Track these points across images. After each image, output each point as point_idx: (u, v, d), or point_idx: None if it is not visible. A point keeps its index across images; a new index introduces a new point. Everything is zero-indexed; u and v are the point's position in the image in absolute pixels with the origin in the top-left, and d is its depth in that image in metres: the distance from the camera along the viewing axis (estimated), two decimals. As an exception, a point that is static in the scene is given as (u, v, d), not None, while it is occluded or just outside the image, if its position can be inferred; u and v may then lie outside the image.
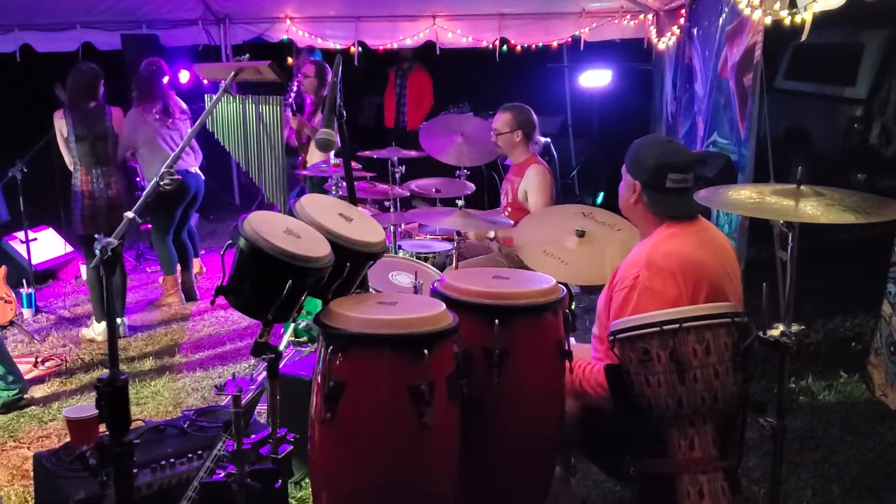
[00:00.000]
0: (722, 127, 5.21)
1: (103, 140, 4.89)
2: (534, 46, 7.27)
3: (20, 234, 5.68)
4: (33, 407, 4.00)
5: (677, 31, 6.41)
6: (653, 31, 7.03)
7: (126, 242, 2.07)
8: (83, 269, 6.11)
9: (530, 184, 4.36)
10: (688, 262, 2.32)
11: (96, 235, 1.94)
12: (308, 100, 5.96)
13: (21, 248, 5.71)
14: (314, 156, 5.76)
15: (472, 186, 4.55)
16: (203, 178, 5.58)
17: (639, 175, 2.46)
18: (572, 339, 2.44)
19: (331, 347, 1.99)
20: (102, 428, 1.99)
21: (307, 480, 3.04)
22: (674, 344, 2.07)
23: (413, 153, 4.93)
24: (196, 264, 6.06)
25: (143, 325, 5.24)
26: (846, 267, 5.59)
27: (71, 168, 4.94)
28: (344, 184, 3.76)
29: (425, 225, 4.88)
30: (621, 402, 2.20)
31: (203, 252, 6.55)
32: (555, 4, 7.03)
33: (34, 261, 5.66)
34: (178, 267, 5.63)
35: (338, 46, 7.20)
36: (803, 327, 2.16)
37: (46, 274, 6.16)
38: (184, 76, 7.11)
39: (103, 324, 4.91)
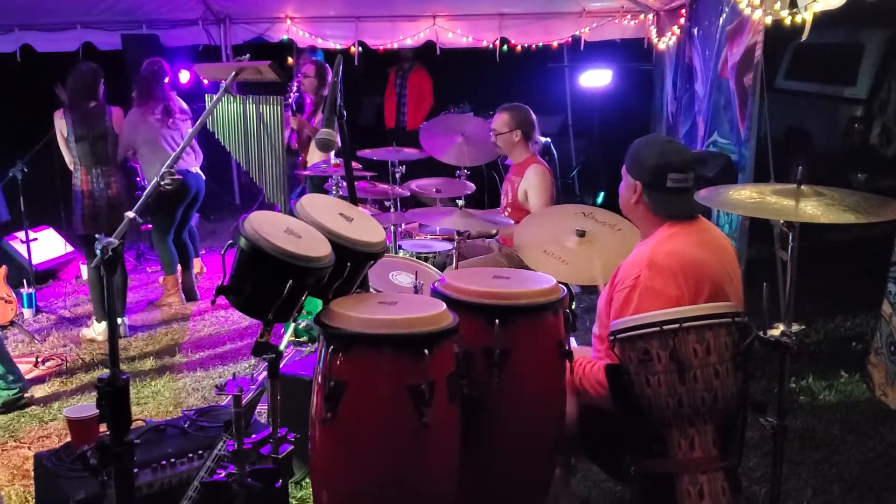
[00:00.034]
0: (722, 127, 5.21)
1: (103, 140, 4.89)
2: (534, 46, 7.26)
3: (21, 234, 5.68)
4: (34, 407, 4.00)
5: (677, 31, 6.40)
6: (653, 31, 7.03)
7: (126, 242, 2.07)
8: (83, 268, 6.11)
9: (530, 183, 4.36)
10: (689, 262, 2.32)
11: (97, 235, 1.94)
12: (308, 100, 5.97)
13: (21, 248, 5.71)
14: (314, 156, 5.76)
15: (472, 186, 4.55)
16: (204, 177, 5.58)
17: (639, 175, 2.46)
18: (573, 340, 2.44)
19: (331, 347, 1.99)
20: (103, 428, 1.99)
21: (308, 480, 3.04)
22: (674, 344, 2.07)
23: (412, 151, 4.93)
24: (196, 264, 6.06)
25: (143, 324, 5.25)
26: (846, 267, 5.59)
27: (71, 168, 4.94)
28: (344, 183, 3.76)
29: (425, 225, 4.88)
30: (621, 402, 2.20)
31: (203, 252, 6.56)
32: (555, 4, 7.02)
33: (35, 261, 5.66)
34: (179, 267, 5.64)
35: (338, 46, 7.20)
36: (804, 327, 2.15)
37: (47, 274, 6.16)
38: (184, 76, 7.11)
39: (104, 324, 4.91)
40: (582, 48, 7.25)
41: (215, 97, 2.79)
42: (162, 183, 2.16)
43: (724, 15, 5.21)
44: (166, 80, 5.28)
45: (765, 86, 4.65)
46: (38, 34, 6.90)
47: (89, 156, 4.87)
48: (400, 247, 4.49)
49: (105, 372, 1.93)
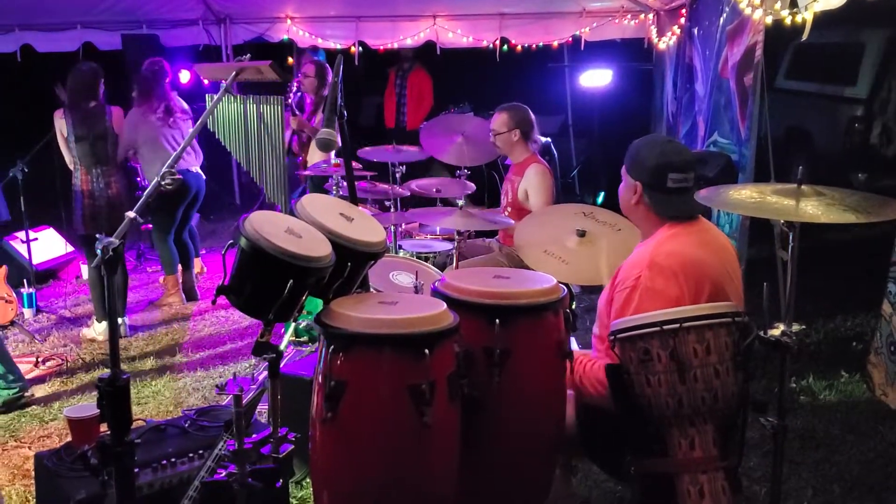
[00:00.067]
0: (722, 126, 5.21)
1: (103, 140, 4.89)
2: (534, 46, 7.27)
3: (21, 234, 5.68)
4: (34, 406, 4.01)
5: (678, 31, 6.40)
6: (653, 31, 7.03)
7: (127, 242, 2.07)
8: (84, 268, 6.11)
9: (530, 183, 4.37)
10: (690, 262, 2.32)
11: (97, 235, 1.94)
12: (308, 99, 5.97)
13: (22, 248, 5.71)
14: (315, 156, 5.76)
15: (472, 186, 4.56)
16: (204, 177, 5.58)
17: (639, 175, 2.46)
18: (573, 340, 2.44)
19: (332, 347, 1.99)
20: (104, 427, 1.99)
21: (308, 480, 3.05)
22: (674, 344, 2.07)
23: (412, 149, 4.93)
24: (197, 264, 6.06)
25: (143, 324, 5.25)
26: (847, 266, 5.59)
27: (71, 168, 4.94)
28: (344, 183, 3.76)
29: (426, 225, 4.89)
30: (621, 402, 2.20)
31: (204, 252, 6.56)
32: (555, 4, 7.02)
33: (35, 261, 5.67)
34: (179, 267, 5.64)
35: (338, 46, 7.21)
36: (804, 327, 2.15)
37: (47, 274, 6.16)
38: (184, 76, 7.11)
39: (104, 323, 4.91)
40: (582, 48, 7.25)
41: (216, 97, 2.79)
42: (162, 183, 2.17)
43: (725, 15, 5.22)
44: (167, 80, 5.29)
45: (765, 85, 4.65)
46: (39, 34, 6.90)
47: (89, 156, 4.87)
48: (400, 247, 4.49)
49: (106, 372, 1.93)
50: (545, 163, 4.53)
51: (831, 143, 7.77)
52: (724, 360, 2.09)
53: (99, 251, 1.88)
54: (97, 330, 4.96)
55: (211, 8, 7.15)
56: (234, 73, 2.69)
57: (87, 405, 2.69)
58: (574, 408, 2.44)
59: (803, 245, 2.12)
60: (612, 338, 2.18)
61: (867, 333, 4.44)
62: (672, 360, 2.07)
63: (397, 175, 4.84)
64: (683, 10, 6.28)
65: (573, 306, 2.37)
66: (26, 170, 5.22)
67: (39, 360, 4.59)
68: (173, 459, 2.56)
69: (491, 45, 7.15)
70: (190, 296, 5.66)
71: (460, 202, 3.99)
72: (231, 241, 2.04)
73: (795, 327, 2.09)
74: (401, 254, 4.34)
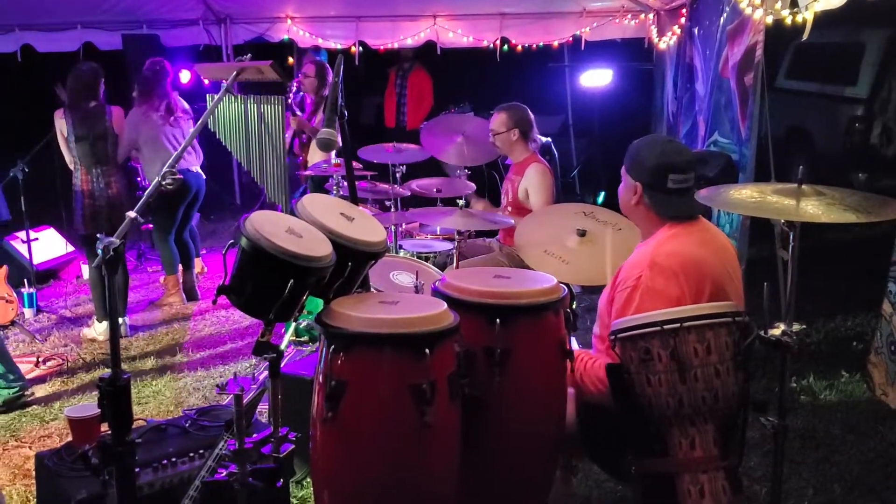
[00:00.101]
0: (723, 126, 5.21)
1: (103, 140, 4.89)
2: (534, 46, 7.26)
3: (21, 234, 5.69)
4: (35, 406, 4.01)
5: (678, 31, 6.40)
6: (653, 31, 7.03)
7: (127, 242, 2.07)
8: (84, 268, 6.12)
9: (531, 182, 4.37)
10: (690, 261, 2.32)
11: (98, 235, 1.94)
12: (308, 99, 5.97)
13: (22, 248, 5.71)
14: (315, 155, 5.77)
15: (472, 186, 4.56)
16: (204, 177, 5.59)
17: (639, 176, 2.46)
18: (573, 340, 2.44)
19: (332, 347, 1.99)
20: (104, 427, 1.99)
21: (308, 479, 3.05)
22: (675, 343, 2.07)
23: (412, 147, 4.93)
24: (197, 264, 6.06)
25: (144, 324, 5.25)
26: (847, 266, 5.59)
27: (71, 168, 4.95)
28: (345, 183, 3.76)
29: (426, 224, 4.89)
30: (622, 402, 2.20)
31: (204, 252, 6.56)
32: (555, 4, 7.02)
33: (35, 260, 5.67)
34: (180, 266, 5.64)
35: (338, 46, 7.21)
36: (804, 326, 2.15)
37: (48, 274, 6.16)
38: (185, 76, 7.11)
39: (104, 323, 4.92)
40: (582, 48, 7.25)
41: (217, 97, 2.79)
42: (163, 182, 2.17)
43: (725, 14, 5.21)
44: (168, 79, 5.29)
45: (765, 85, 4.65)
46: (39, 34, 6.90)
47: (89, 156, 4.87)
48: (400, 246, 4.49)
49: (106, 371, 1.93)
50: (545, 162, 4.53)
51: (832, 143, 7.77)
52: (724, 360, 2.09)
53: (100, 251, 1.88)
54: (98, 330, 4.96)
55: (211, 8, 7.15)
56: (234, 73, 2.69)
57: (87, 405, 2.70)
58: (575, 407, 2.44)
59: (803, 245, 2.12)
60: (613, 337, 2.18)
61: (867, 333, 4.44)
62: (673, 360, 2.08)
63: (398, 175, 4.84)
64: (684, 10, 6.28)
65: (574, 306, 2.37)
66: (27, 170, 5.22)
67: (40, 359, 4.59)
68: (174, 459, 2.56)
69: (491, 45, 7.15)
70: (190, 296, 5.66)
71: (461, 202, 3.98)
72: (232, 241, 2.04)
73: (796, 327, 2.09)
74: (401, 254, 4.34)
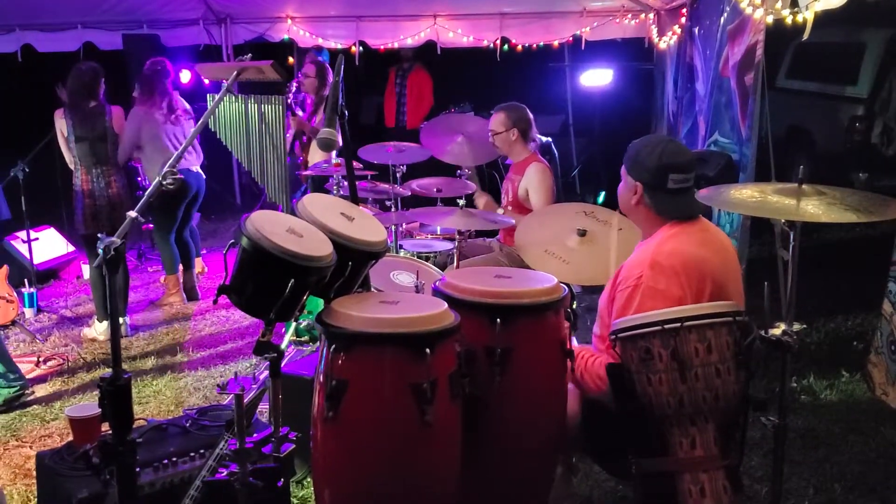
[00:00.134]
0: (723, 126, 5.21)
1: (103, 140, 4.89)
2: (535, 46, 7.26)
3: (22, 234, 5.69)
4: (35, 406, 4.01)
5: (678, 31, 6.40)
6: (654, 31, 7.03)
7: (128, 242, 2.08)
8: (85, 268, 6.12)
9: (531, 182, 4.37)
10: (691, 261, 2.32)
11: (99, 235, 1.94)
12: (308, 100, 5.97)
13: (23, 248, 5.71)
14: (315, 155, 5.77)
15: (472, 186, 4.56)
16: (204, 177, 5.59)
17: (639, 176, 2.46)
18: (574, 340, 2.44)
19: (333, 346, 1.99)
20: (105, 427, 1.99)
21: (309, 479, 3.05)
22: (675, 343, 2.07)
23: (411, 145, 4.93)
24: (198, 264, 6.07)
25: (144, 324, 5.25)
26: (847, 266, 5.59)
27: (72, 168, 4.95)
28: (345, 183, 3.76)
29: (426, 224, 4.89)
30: (622, 401, 2.20)
31: (204, 252, 6.56)
32: (556, 4, 7.02)
33: (36, 260, 5.67)
34: (180, 266, 5.64)
35: (339, 46, 7.21)
36: (805, 326, 2.15)
37: (48, 273, 6.16)
38: (185, 76, 7.11)
39: (105, 323, 4.92)
40: (583, 47, 7.25)
41: (217, 97, 2.79)
42: (164, 182, 2.17)
43: (725, 14, 5.21)
44: (169, 79, 5.29)
45: (766, 85, 4.64)
46: (39, 34, 6.91)
47: (89, 156, 4.87)
48: (401, 246, 4.49)
49: (107, 371, 1.93)
50: (545, 161, 4.53)
51: (832, 143, 7.77)
52: (725, 360, 2.09)
53: (100, 251, 1.88)
54: (98, 329, 4.96)
55: (211, 8, 7.16)
56: (235, 72, 2.69)
57: (88, 405, 2.70)
58: (576, 404, 2.43)
59: (804, 244, 2.12)
60: (614, 337, 2.19)
61: (868, 333, 4.44)
62: (673, 360, 2.08)
63: (398, 174, 4.84)
64: (684, 10, 6.27)
65: (574, 306, 2.37)
66: (27, 169, 5.22)
67: (40, 359, 4.59)
68: (175, 459, 2.56)
69: (491, 45, 7.15)
70: (191, 295, 5.67)
71: (460, 202, 3.97)
72: (232, 241, 2.04)
73: (796, 327, 2.09)
74: (401, 253, 4.34)
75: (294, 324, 4.11)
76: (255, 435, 2.11)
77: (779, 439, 2.15)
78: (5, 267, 5.20)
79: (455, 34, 7.16)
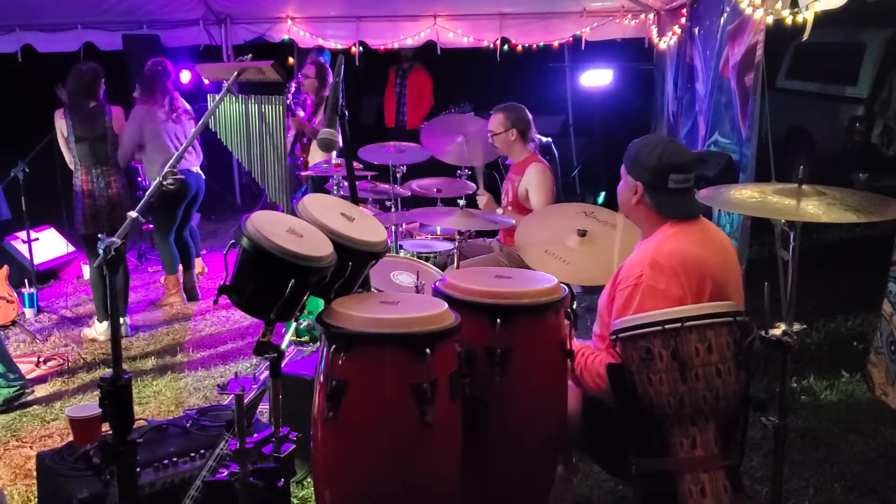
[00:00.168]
0: (723, 126, 5.21)
1: (103, 140, 4.90)
2: (535, 46, 7.27)
3: (22, 234, 5.69)
4: (36, 406, 4.01)
5: (678, 31, 6.41)
6: (654, 31, 7.03)
7: (128, 242, 2.07)
8: (85, 268, 6.12)
9: (531, 182, 4.37)
10: (691, 261, 2.32)
11: (99, 235, 1.94)
12: (308, 100, 5.97)
13: (23, 248, 5.71)
14: (316, 156, 5.77)
15: (472, 186, 4.56)
16: (204, 177, 5.59)
17: (640, 176, 2.46)
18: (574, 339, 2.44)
19: (333, 346, 1.99)
20: (105, 427, 1.99)
21: (309, 479, 3.05)
22: (676, 343, 2.07)
23: (411, 145, 4.93)
24: (198, 264, 6.07)
25: (145, 324, 5.25)
26: (847, 266, 5.59)
27: (72, 168, 4.95)
28: (345, 183, 3.76)
29: (426, 224, 4.89)
30: (623, 401, 2.20)
31: (204, 252, 6.56)
32: (556, 4, 7.02)
33: (36, 261, 5.67)
34: (180, 266, 5.64)
35: (339, 46, 7.21)
36: (805, 326, 2.15)
37: (48, 274, 6.16)
38: (185, 76, 7.12)
39: (105, 323, 4.92)
40: (583, 48, 7.25)
41: (217, 97, 2.80)
42: (164, 183, 2.17)
43: (725, 14, 5.21)
44: (170, 79, 5.29)
45: (766, 85, 4.65)
46: (40, 34, 6.91)
47: (89, 156, 4.87)
48: (401, 246, 4.49)
49: (107, 371, 1.93)
50: (545, 161, 4.53)
51: (832, 143, 7.77)
52: (725, 360, 2.09)
53: (101, 251, 1.88)
54: (98, 330, 4.96)
55: (211, 8, 7.16)
56: (235, 73, 2.69)
57: (88, 405, 2.70)
58: (576, 402, 2.44)
59: (804, 245, 2.12)
60: (614, 337, 2.19)
61: (868, 333, 4.44)
62: (673, 360, 2.08)
63: (398, 175, 4.84)
64: (684, 10, 6.28)
65: (574, 306, 2.37)
66: (27, 170, 5.22)
67: (41, 359, 4.59)
68: (175, 459, 2.56)
69: (491, 45, 7.15)
70: (191, 295, 5.67)
71: (459, 203, 3.98)
72: (233, 241, 2.04)
73: (796, 327, 2.09)
74: (402, 254, 4.34)
75: (294, 324, 4.11)
76: (255, 435, 2.11)
77: (779, 439, 2.15)
78: (5, 267, 5.20)
79: (455, 34, 7.16)
